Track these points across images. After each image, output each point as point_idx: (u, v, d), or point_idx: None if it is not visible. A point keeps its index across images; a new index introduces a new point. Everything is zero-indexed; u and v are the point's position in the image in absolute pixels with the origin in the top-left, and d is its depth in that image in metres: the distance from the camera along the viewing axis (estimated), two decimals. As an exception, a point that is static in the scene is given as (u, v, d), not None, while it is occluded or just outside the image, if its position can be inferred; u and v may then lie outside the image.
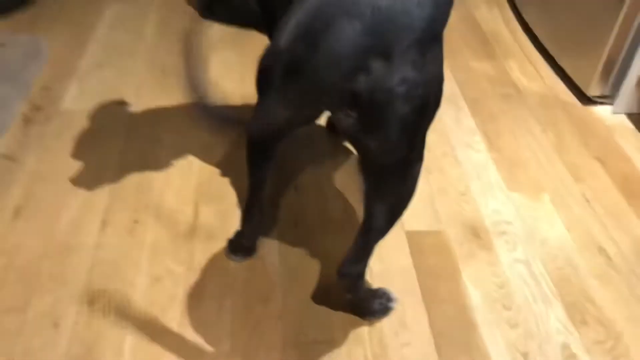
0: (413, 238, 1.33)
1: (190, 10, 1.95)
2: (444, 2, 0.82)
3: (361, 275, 1.11)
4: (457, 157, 1.56)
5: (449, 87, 1.81)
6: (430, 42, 0.79)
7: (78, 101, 1.65)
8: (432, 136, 1.61)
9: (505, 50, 2.01)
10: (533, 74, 1.90)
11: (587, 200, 1.44)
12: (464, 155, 1.56)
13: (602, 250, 1.32)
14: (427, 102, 0.83)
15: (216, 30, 2.01)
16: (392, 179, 0.94)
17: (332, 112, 0.84)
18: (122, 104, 1.65)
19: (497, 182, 1.49)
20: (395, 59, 0.75)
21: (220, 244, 1.28)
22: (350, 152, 1.54)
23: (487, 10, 2.24)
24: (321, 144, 1.57)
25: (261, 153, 1.09)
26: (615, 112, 1.73)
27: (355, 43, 0.74)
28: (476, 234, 1.35)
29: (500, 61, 1.95)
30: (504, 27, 2.15)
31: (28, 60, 1.76)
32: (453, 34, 2.07)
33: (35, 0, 2.07)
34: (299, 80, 0.76)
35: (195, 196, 1.39)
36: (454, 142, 1.60)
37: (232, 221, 1.33)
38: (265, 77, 0.86)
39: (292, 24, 0.78)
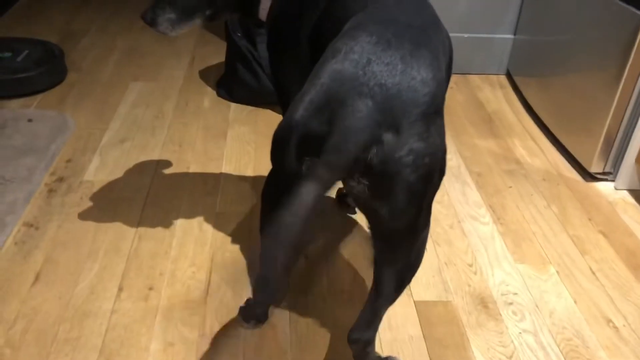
0: (422, 308, 1.35)
1: (210, 91, 2.06)
2: (443, 80, 0.91)
3: (371, 341, 1.13)
4: (464, 229, 1.60)
5: (455, 162, 1.88)
6: (433, 115, 0.86)
7: (99, 173, 1.72)
8: (440, 209, 1.66)
9: (508, 128, 2.09)
10: (536, 151, 1.97)
11: (593, 273, 1.47)
12: (471, 228, 1.60)
13: (609, 322, 1.33)
14: (433, 171, 0.88)
15: (233, 108, 2.12)
16: (401, 244, 0.98)
17: (345, 179, 0.90)
18: (141, 176, 1.72)
19: (504, 254, 1.52)
20: (404, 131, 0.83)
21: (233, 311, 1.31)
22: (358, 224, 1.59)
23: (491, 91, 2.35)
24: (331, 215, 1.62)
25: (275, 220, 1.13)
26: (617, 188, 1.79)
27: (369, 119, 0.81)
28: (484, 304, 1.37)
29: (503, 139, 2.03)
30: (506, 106, 2.25)
31: (54, 134, 1.86)
32: (458, 114, 2.17)
33: (64, 80, 2.20)
34: (316, 153, 0.83)
35: (209, 264, 1.43)
36: (461, 215, 1.65)
37: (244, 289, 1.36)
38: (280, 148, 0.92)
39: (306, 100, 0.86)
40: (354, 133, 0.81)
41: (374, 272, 1.05)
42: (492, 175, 1.83)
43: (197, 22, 1.27)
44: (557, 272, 1.47)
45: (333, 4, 1.11)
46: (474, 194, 1.74)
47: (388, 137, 0.82)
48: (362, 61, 0.85)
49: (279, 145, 0.93)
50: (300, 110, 0.86)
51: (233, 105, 2.14)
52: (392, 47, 0.87)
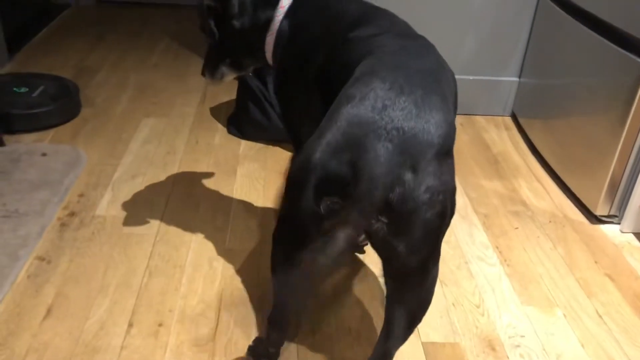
0: (430, 349, 1.36)
1: (220, 127, 2.09)
2: (453, 121, 0.97)
3: None
4: (471, 270, 1.61)
5: (462, 203, 1.90)
6: (445, 155, 0.91)
7: (111, 208, 1.75)
8: (447, 249, 1.68)
9: (514, 169, 2.12)
10: (541, 193, 1.99)
11: (600, 316, 1.47)
12: (478, 269, 1.62)
13: (617, 367, 1.33)
14: (446, 208, 0.92)
15: (243, 145, 2.16)
16: (414, 282, 1.01)
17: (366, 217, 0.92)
18: (151, 211, 1.75)
19: (511, 296, 1.53)
20: (421, 171, 0.88)
21: (241, 349, 1.31)
22: (367, 264, 1.60)
23: (496, 132, 2.39)
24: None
25: (287, 260, 1.13)
26: (623, 231, 1.80)
27: (391, 162, 0.87)
28: (492, 346, 1.37)
29: (509, 180, 2.05)
30: (512, 148, 2.28)
31: (67, 169, 1.89)
32: (464, 155, 2.20)
33: (77, 115, 2.25)
34: (336, 194, 0.87)
35: (218, 301, 1.44)
36: (467, 255, 1.66)
37: (253, 327, 1.37)
38: (298, 188, 0.94)
39: (324, 142, 0.90)
40: (380, 177, 0.86)
41: (386, 312, 1.07)
42: (498, 216, 1.85)
43: (226, 71, 1.47)
44: (564, 315, 1.47)
45: (338, 50, 1.17)
46: (480, 235, 1.76)
47: (408, 177, 0.87)
48: (377, 106, 0.90)
49: (297, 185, 0.95)
50: (318, 152, 0.90)
51: (243, 142, 2.18)
52: (405, 92, 0.92)
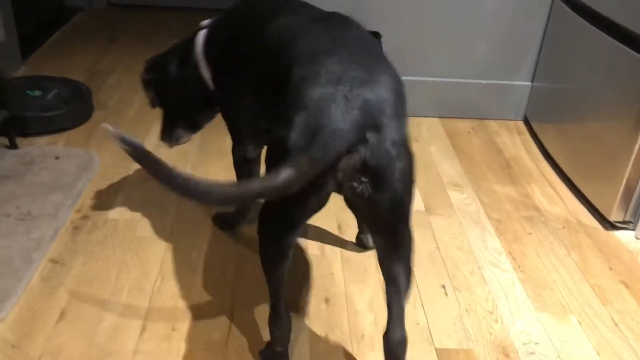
0: (443, 356, 1.35)
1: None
2: (398, 78, 1.07)
3: (406, 341, 1.17)
4: (484, 276, 1.60)
5: (474, 208, 1.89)
6: (401, 110, 1.02)
7: (123, 211, 1.75)
8: (460, 254, 1.67)
9: (526, 174, 2.11)
10: (555, 198, 1.98)
11: (616, 324, 1.46)
12: (491, 275, 1.61)
13: (633, 375, 1.32)
14: (411, 156, 1.03)
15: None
16: (402, 233, 1.09)
17: (349, 183, 0.99)
18: (163, 215, 1.75)
19: (525, 302, 1.52)
20: (383, 128, 0.97)
21: (254, 352, 1.31)
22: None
23: (508, 137, 2.37)
24: (351, 259, 1.63)
25: (279, 252, 1.15)
26: (637, 238, 1.78)
27: (351, 123, 0.95)
28: (505, 353, 1.36)
29: (522, 185, 2.04)
30: (524, 153, 2.27)
31: (80, 172, 1.90)
32: (476, 159, 2.19)
33: (90, 118, 2.26)
34: (314, 158, 0.92)
35: (230, 305, 1.44)
36: (480, 261, 1.65)
37: (265, 330, 1.36)
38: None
39: (295, 128, 0.97)
40: (337, 132, 0.94)
41: (386, 274, 1.12)
42: (511, 221, 1.84)
43: (182, 133, 1.65)
44: (579, 322, 1.46)
45: (261, 43, 1.26)
46: (493, 240, 1.75)
47: (371, 135, 0.96)
48: (332, 80, 0.99)
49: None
50: (292, 136, 0.96)
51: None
52: (352, 61, 1.03)
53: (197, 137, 2.19)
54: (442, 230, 1.78)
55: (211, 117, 1.63)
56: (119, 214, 1.74)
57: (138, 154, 0.95)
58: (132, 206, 1.78)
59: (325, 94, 0.97)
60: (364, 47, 1.11)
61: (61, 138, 2.12)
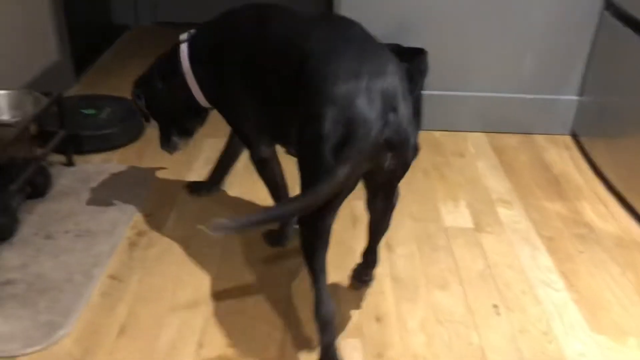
0: (497, 377, 1.34)
1: (279, 148, 2.12)
2: (403, 70, 1.25)
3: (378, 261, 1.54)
4: (536, 295, 1.58)
5: (524, 225, 1.87)
6: (405, 91, 1.21)
7: (177, 227, 1.80)
8: (511, 274, 1.66)
9: (576, 191, 2.08)
10: (606, 215, 1.95)
11: (676, 347, 1.43)
12: (544, 294, 1.59)
13: (696, 401, 1.29)
14: (416, 125, 1.30)
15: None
16: (396, 187, 1.36)
17: (377, 160, 1.19)
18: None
19: (580, 323, 1.49)
20: (399, 109, 1.17)
21: (309, 372, 1.33)
22: (426, 286, 1.59)
23: (556, 152, 2.35)
24: (401, 278, 1.63)
25: (321, 236, 1.27)
26: (695, 257, 1.74)
27: (377, 110, 1.14)
28: (562, 376, 1.35)
29: (572, 202, 2.01)
30: (573, 168, 2.24)
31: (134, 189, 1.96)
32: (524, 175, 2.17)
33: (142, 135, 2.32)
34: (361, 149, 1.12)
35: (284, 323, 1.46)
36: (532, 280, 1.64)
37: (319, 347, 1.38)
38: (321, 159, 1.15)
39: (323, 121, 1.14)
40: (371, 121, 1.12)
41: (377, 218, 1.42)
42: (562, 239, 1.82)
43: (178, 140, 1.77)
44: (638, 345, 1.43)
45: (259, 47, 1.41)
46: (544, 259, 1.73)
47: (392, 116, 1.15)
48: (352, 76, 1.16)
49: (315, 158, 1.17)
50: (325, 126, 1.13)
51: (301, 162, 2.20)
52: (364, 57, 1.20)
53: (244, 152, 2.23)
54: (492, 248, 1.76)
55: (202, 122, 1.76)
56: (172, 230, 1.79)
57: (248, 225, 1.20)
58: (185, 222, 1.83)
59: (350, 89, 1.14)
60: (367, 42, 1.27)
61: (115, 155, 2.18)
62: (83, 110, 2.31)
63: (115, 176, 2.02)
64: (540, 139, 2.43)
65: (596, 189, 2.10)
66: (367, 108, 1.12)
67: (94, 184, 1.97)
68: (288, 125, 1.32)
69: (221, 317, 1.47)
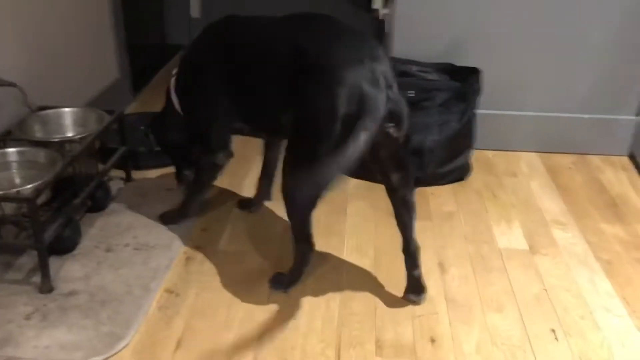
0: (557, 404, 1.31)
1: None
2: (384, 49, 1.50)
3: (419, 248, 1.59)
4: (596, 321, 1.54)
5: (581, 248, 1.83)
6: (393, 72, 1.43)
7: (232, 242, 1.83)
8: (569, 298, 1.62)
9: (635, 213, 2.02)
10: (668, 239, 1.89)
11: None
12: (604, 320, 1.54)
13: None
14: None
15: (352, 183, 2.19)
16: (410, 167, 1.53)
17: (383, 129, 1.38)
18: (269, 246, 1.81)
19: (643, 351, 1.45)
20: (393, 85, 1.40)
21: (364, 391, 1.33)
22: (486, 310, 1.57)
23: (613, 173, 2.29)
24: (456, 299, 1.61)
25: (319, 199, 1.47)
26: None
27: (381, 88, 1.36)
28: (625, 405, 1.30)
29: (631, 224, 1.96)
30: (631, 190, 2.18)
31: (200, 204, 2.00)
32: (580, 197, 2.12)
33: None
34: (375, 118, 1.33)
35: (337, 341, 1.46)
36: (592, 305, 1.60)
37: (374, 369, 1.38)
38: (332, 130, 1.35)
39: (336, 99, 1.34)
40: (379, 98, 1.35)
41: (400, 201, 1.53)
42: (622, 263, 1.77)
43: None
44: None
45: (240, 50, 1.63)
46: (604, 283, 1.68)
47: (390, 92, 1.38)
48: (355, 61, 1.37)
49: (325, 131, 1.36)
50: (339, 102, 1.34)
51: (352, 180, 2.21)
52: (357, 46, 1.42)
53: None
54: (548, 271, 1.73)
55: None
56: (227, 245, 1.82)
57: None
58: (239, 237, 1.86)
59: (358, 73, 1.35)
60: (350, 32, 1.46)
61: (170, 171, 2.24)
62: (142, 127, 2.37)
63: (171, 191, 2.08)
64: (595, 159, 2.38)
65: (656, 211, 2.04)
66: (374, 87, 1.34)
67: (151, 199, 2.03)
68: (277, 112, 1.51)
69: (274, 333, 1.49)
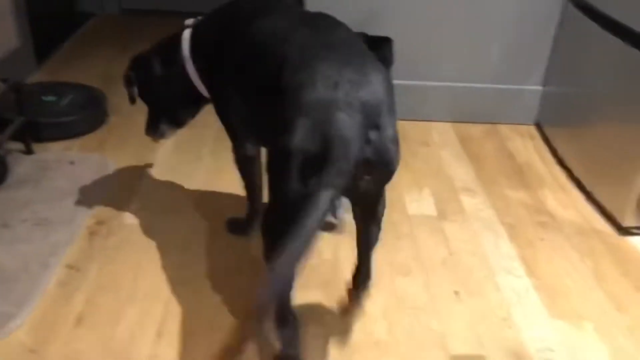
0: (457, 362, 1.35)
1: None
2: (386, 75, 1.11)
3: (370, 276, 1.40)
4: (497, 282, 1.60)
5: (487, 213, 1.89)
6: (392, 105, 1.09)
7: (138, 216, 1.77)
8: (473, 261, 1.67)
9: (539, 180, 2.11)
10: (567, 203, 1.98)
11: (631, 330, 1.46)
12: (504, 281, 1.60)
13: (649, 383, 1.32)
14: (399, 146, 1.11)
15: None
16: (379, 202, 1.25)
17: (355, 182, 1.07)
18: (178, 219, 1.77)
19: (539, 309, 1.51)
20: (382, 126, 1.05)
21: (269, 357, 1.32)
22: (391, 274, 1.60)
23: (521, 141, 2.37)
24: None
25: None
26: (652, 243, 1.78)
27: (356, 127, 1.01)
28: (519, 359, 1.36)
29: (535, 190, 2.04)
30: (537, 157, 2.26)
31: (95, 177, 1.92)
32: (489, 164, 2.19)
33: (104, 123, 2.28)
34: (319, 171, 0.98)
35: (244, 310, 1.45)
36: (494, 267, 1.65)
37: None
38: (281, 176, 1.05)
39: (296, 131, 1.01)
40: (350, 141, 1.00)
41: (363, 233, 1.31)
42: (524, 227, 1.84)
43: (166, 128, 1.69)
44: (594, 329, 1.46)
45: (245, 46, 1.30)
46: (506, 246, 1.75)
47: (373, 134, 1.04)
48: (330, 85, 1.03)
49: (281, 174, 1.05)
50: (294, 140, 1.01)
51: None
52: (345, 65, 1.06)
53: (209, 142, 2.22)
54: (455, 236, 1.78)
55: (195, 113, 1.68)
56: (134, 218, 1.76)
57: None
58: (147, 211, 1.80)
59: (326, 99, 1.01)
60: (351, 47, 1.16)
61: (76, 143, 2.14)
62: (43, 97, 2.25)
63: (75, 165, 1.98)
64: (504, 128, 2.46)
65: (559, 177, 2.13)
66: (346, 123, 0.99)
67: (53, 173, 1.93)
68: (269, 131, 1.16)
69: (182, 306, 1.45)
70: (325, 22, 1.26)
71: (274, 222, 1.16)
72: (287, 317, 1.23)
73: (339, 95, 1.01)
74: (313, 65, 1.07)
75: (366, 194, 1.18)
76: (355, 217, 1.30)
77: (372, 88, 1.05)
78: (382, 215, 1.29)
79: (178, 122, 1.69)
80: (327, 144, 0.98)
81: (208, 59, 1.46)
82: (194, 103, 1.62)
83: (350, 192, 1.12)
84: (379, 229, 1.31)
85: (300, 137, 1.00)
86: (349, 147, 0.99)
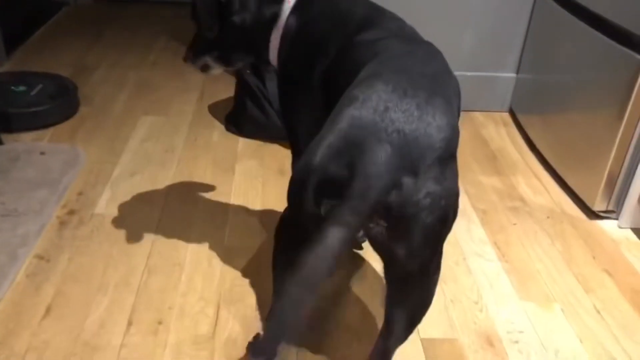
0: (428, 345, 1.36)
1: (219, 125, 2.10)
2: (457, 125, 0.95)
3: None
4: (469, 266, 1.61)
5: (461, 200, 1.90)
6: (448, 159, 0.89)
7: (110, 206, 1.75)
8: (445, 246, 1.66)
9: (512, 165, 2.13)
10: (539, 189, 2.00)
11: (598, 312, 1.48)
12: (476, 265, 1.62)
13: (615, 362, 1.34)
14: (448, 213, 0.91)
15: (241, 142, 2.16)
16: (414, 286, 1.02)
17: (365, 222, 0.90)
18: (150, 209, 1.75)
19: (509, 292, 1.53)
20: (421, 175, 0.85)
21: (241, 346, 1.32)
22: (366, 261, 1.60)
23: (494, 128, 2.39)
24: (338, 251, 1.63)
25: (288, 260, 1.02)
26: (620, 227, 1.81)
27: (389, 164, 0.84)
28: (490, 342, 1.38)
29: (507, 176, 2.06)
30: (510, 144, 2.28)
31: (66, 168, 1.89)
32: (462, 150, 2.19)
33: (76, 113, 2.25)
34: (335, 197, 0.85)
35: (217, 298, 1.45)
36: (466, 252, 1.67)
37: (253, 324, 1.37)
38: (299, 190, 0.93)
39: (324, 144, 0.89)
40: (376, 178, 0.84)
41: (386, 313, 1.09)
42: (496, 212, 1.86)
43: (211, 63, 1.40)
44: (562, 310, 1.48)
45: (344, 54, 1.14)
46: (478, 231, 1.76)
47: (407, 180, 0.85)
48: (379, 108, 0.87)
49: (298, 187, 0.94)
50: (319, 155, 0.89)
51: (241, 139, 2.18)
52: (408, 95, 0.89)
53: (183, 131, 2.21)
54: (428, 221, 1.79)
55: (248, 63, 1.46)
56: (105, 209, 1.74)
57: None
58: (118, 201, 1.78)
59: (366, 121, 0.87)
60: (432, 82, 0.95)
61: (46, 134, 2.11)
62: (13, 87, 2.21)
63: (46, 155, 1.95)
64: (478, 115, 2.47)
65: (531, 163, 2.15)
66: (378, 157, 0.84)
67: (23, 163, 1.90)
68: None
69: (152, 295, 1.44)
70: (424, 51, 1.11)
71: (286, 230, 1.09)
72: (286, 326, 1.04)
73: (382, 121, 0.86)
74: (375, 84, 0.92)
75: (391, 256, 0.97)
76: (385, 298, 1.08)
77: (427, 129, 0.86)
78: (419, 308, 1.07)
79: (227, 62, 1.41)
80: (351, 172, 0.85)
81: (300, 47, 1.25)
82: (256, 57, 1.37)
83: (370, 239, 0.96)
84: (409, 324, 1.09)
85: (327, 155, 0.88)
86: (371, 186, 0.84)
